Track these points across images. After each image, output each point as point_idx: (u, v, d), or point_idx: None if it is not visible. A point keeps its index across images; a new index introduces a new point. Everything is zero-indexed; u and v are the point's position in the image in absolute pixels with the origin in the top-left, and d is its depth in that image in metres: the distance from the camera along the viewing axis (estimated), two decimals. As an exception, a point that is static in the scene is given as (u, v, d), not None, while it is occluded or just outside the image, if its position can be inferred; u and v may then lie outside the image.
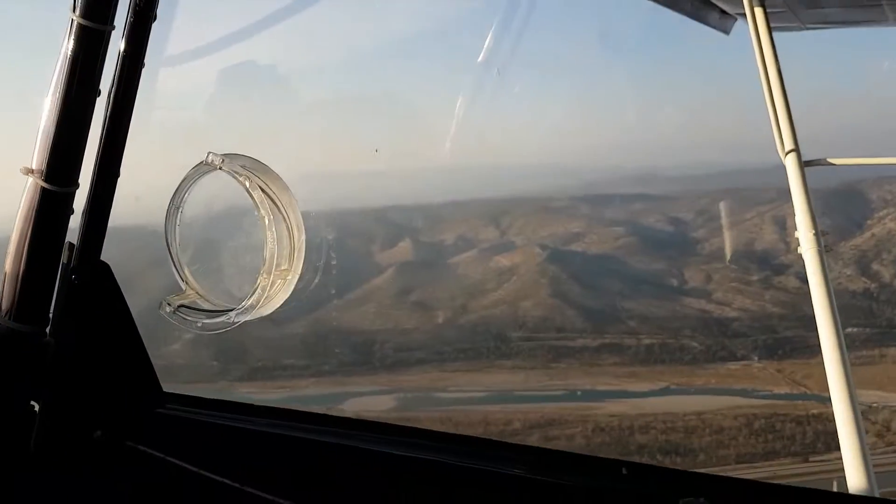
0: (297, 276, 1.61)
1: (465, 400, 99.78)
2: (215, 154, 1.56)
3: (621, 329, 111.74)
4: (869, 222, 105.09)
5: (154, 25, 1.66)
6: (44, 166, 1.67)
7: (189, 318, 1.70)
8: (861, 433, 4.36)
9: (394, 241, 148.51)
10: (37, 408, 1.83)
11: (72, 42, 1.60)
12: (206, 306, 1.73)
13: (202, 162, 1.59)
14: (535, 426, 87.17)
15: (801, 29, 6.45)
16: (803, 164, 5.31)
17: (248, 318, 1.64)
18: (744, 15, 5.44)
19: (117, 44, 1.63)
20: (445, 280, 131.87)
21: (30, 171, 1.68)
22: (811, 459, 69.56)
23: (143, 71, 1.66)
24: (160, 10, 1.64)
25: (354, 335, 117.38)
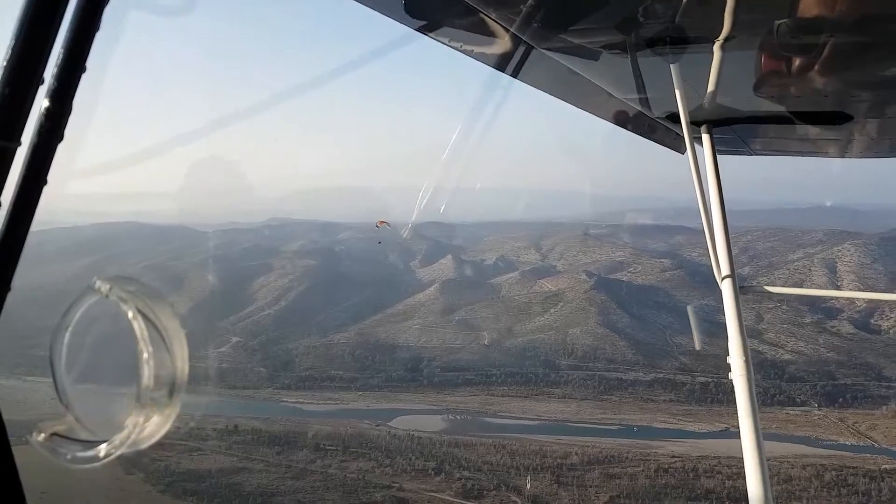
0: (176, 411, 1.55)
1: (518, 427, 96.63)
2: (102, 280, 1.53)
3: (674, 365, 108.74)
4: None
5: (60, 146, 1.67)
6: None
7: (60, 450, 1.57)
8: None
9: (435, 258, 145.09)
10: None
11: None
12: (83, 435, 1.60)
13: (89, 286, 1.54)
14: (594, 461, 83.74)
15: (750, 154, 6.65)
16: (739, 291, 5.41)
17: (119, 452, 1.56)
18: (698, 139, 5.44)
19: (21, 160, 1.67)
20: (489, 300, 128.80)
21: None
22: (892, 519, 66.21)
23: (46, 188, 1.67)
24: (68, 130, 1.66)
25: (401, 350, 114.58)
